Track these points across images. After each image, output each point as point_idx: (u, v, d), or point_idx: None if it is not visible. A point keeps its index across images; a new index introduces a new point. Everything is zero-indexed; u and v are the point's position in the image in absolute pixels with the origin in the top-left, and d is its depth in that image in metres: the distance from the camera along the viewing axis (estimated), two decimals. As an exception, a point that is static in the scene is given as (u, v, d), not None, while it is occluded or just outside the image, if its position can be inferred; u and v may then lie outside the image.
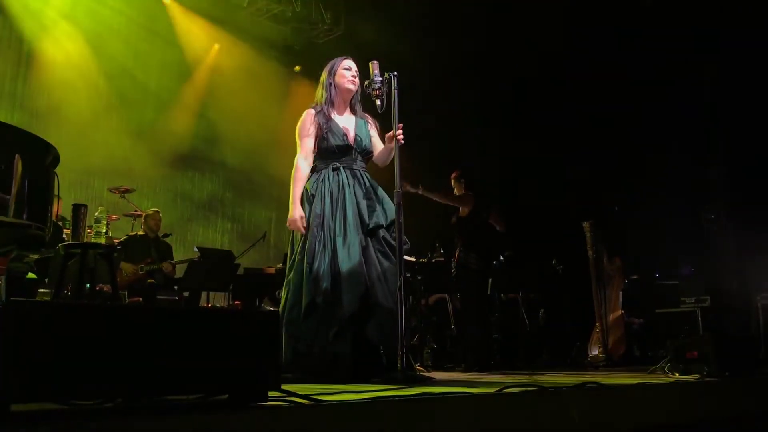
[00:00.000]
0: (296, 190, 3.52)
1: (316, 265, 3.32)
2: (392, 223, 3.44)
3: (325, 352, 3.25)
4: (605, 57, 7.48)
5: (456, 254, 5.89)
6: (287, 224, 3.52)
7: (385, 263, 3.39)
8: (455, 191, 6.10)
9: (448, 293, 7.04)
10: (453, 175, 6.14)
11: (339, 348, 3.25)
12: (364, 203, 3.45)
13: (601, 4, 7.35)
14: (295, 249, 3.48)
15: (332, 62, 3.73)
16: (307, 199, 3.50)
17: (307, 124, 3.61)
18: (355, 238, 3.36)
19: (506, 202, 7.65)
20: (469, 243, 5.83)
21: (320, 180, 3.52)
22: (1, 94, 7.96)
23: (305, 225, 3.43)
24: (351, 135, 3.62)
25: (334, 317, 3.27)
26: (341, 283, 3.29)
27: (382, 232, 3.43)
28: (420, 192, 5.54)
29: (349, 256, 3.31)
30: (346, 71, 3.68)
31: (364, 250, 3.38)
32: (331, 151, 3.56)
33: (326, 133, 3.56)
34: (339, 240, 3.35)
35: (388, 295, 3.32)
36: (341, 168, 3.53)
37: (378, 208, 3.47)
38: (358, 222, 3.41)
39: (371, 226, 3.39)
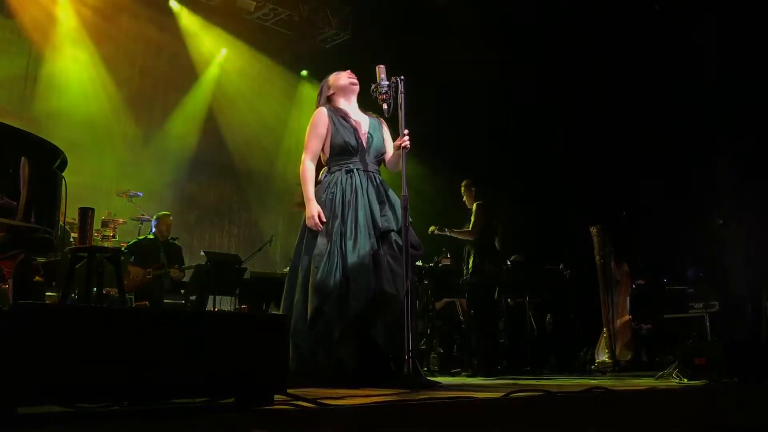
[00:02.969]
0: (308, 188, 3.49)
1: (323, 270, 3.28)
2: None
3: (329, 357, 3.24)
4: (610, 60, 7.46)
5: (470, 261, 5.89)
6: (306, 222, 3.46)
7: (396, 268, 3.34)
8: (465, 199, 6.14)
9: (459, 297, 7.02)
10: (463, 184, 6.16)
11: (343, 354, 3.23)
12: (377, 206, 3.41)
13: (605, 5, 7.33)
14: (302, 252, 3.47)
15: (325, 79, 3.76)
16: (318, 202, 3.48)
17: (316, 123, 3.59)
18: (365, 242, 3.32)
19: (514, 206, 7.62)
20: (484, 250, 5.85)
21: (333, 182, 3.49)
22: (10, 98, 8.01)
23: (323, 221, 3.40)
24: (363, 133, 3.60)
25: (340, 323, 3.25)
26: (350, 288, 3.26)
27: (393, 236, 3.39)
28: (448, 233, 6.06)
29: (359, 261, 3.28)
30: (341, 72, 3.71)
31: (375, 254, 3.35)
32: (344, 149, 3.53)
33: (341, 130, 3.54)
34: (349, 244, 3.32)
35: (398, 301, 3.30)
36: (354, 170, 3.50)
37: (389, 212, 3.44)
38: (370, 225, 3.37)
39: (382, 229, 3.37)
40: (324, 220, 3.40)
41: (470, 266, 5.90)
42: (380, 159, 3.66)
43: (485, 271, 5.81)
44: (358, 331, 3.27)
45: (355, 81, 3.67)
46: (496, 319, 6.24)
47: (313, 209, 3.42)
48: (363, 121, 3.67)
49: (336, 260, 3.31)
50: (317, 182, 3.60)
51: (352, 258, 3.29)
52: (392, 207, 3.47)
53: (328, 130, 3.57)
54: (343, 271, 3.29)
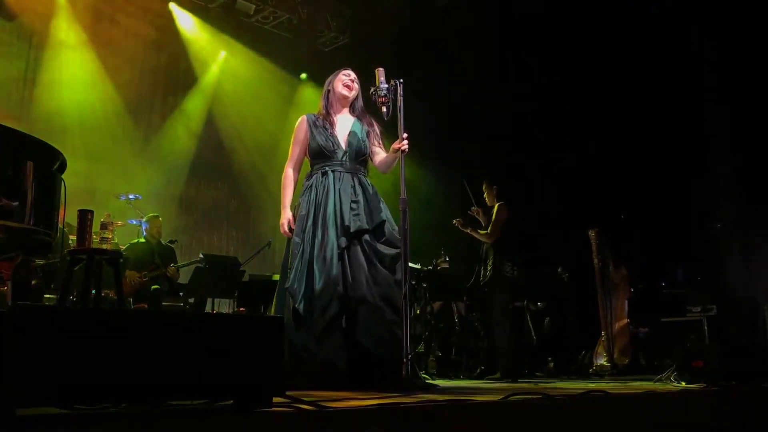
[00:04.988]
0: (285, 195, 3.64)
1: (292, 273, 3.36)
2: (378, 226, 3.45)
3: (318, 358, 3.25)
4: (608, 63, 7.47)
5: (490, 262, 5.80)
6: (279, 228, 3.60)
7: (371, 269, 3.38)
8: (486, 197, 6.05)
9: (456, 300, 7.00)
10: (484, 184, 6.09)
11: (332, 355, 3.25)
12: (347, 205, 3.46)
13: (602, 8, 7.34)
14: (289, 255, 3.51)
15: (333, 73, 3.82)
16: (294, 207, 3.60)
17: (297, 131, 3.73)
18: (333, 238, 3.38)
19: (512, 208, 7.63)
20: (503, 251, 5.78)
21: (309, 186, 3.58)
22: (9, 101, 8.00)
23: (292, 228, 3.52)
24: (342, 136, 3.65)
25: (317, 320, 3.27)
26: (317, 288, 3.30)
27: (366, 236, 3.43)
28: (469, 231, 5.88)
29: (324, 258, 3.33)
30: (344, 77, 3.76)
31: (348, 252, 3.38)
32: (320, 153, 3.61)
33: (316, 135, 3.63)
34: (316, 241, 3.39)
35: (377, 303, 3.31)
36: (329, 171, 3.56)
37: (362, 211, 3.47)
38: (338, 223, 3.42)
39: (352, 229, 3.39)
40: (293, 228, 3.51)
41: (489, 267, 5.78)
42: (364, 159, 3.70)
43: (504, 273, 5.73)
44: (339, 330, 3.29)
45: (349, 90, 3.72)
46: (516, 321, 6.17)
47: (284, 217, 3.58)
48: (346, 122, 3.73)
49: (306, 260, 3.37)
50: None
51: (318, 255, 3.35)
52: (368, 205, 3.51)
53: (306, 136, 3.68)
54: (310, 270, 3.34)
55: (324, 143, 3.59)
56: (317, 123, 3.68)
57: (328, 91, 3.76)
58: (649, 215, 7.36)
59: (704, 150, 7.33)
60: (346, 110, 3.78)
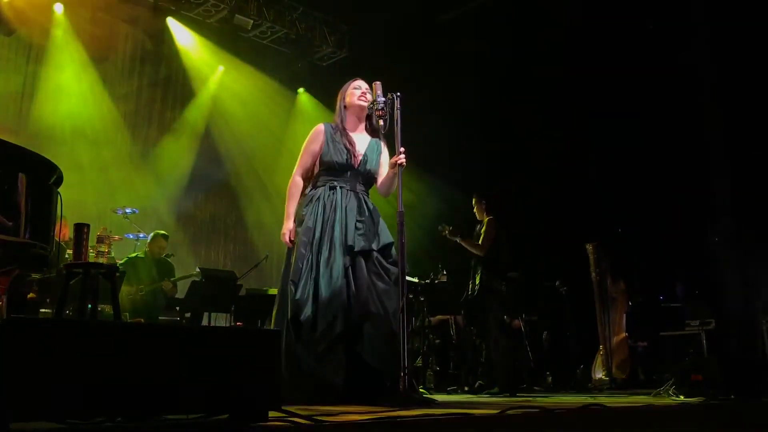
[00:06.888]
0: (290, 204, 3.59)
1: (300, 286, 3.32)
2: (386, 247, 3.44)
3: (318, 373, 3.23)
4: (605, 79, 7.50)
5: (477, 277, 5.77)
6: (280, 236, 3.56)
7: (380, 285, 3.36)
8: (476, 211, 6.02)
9: (454, 314, 6.98)
10: (474, 197, 6.07)
11: (330, 370, 3.23)
12: (353, 224, 3.43)
13: (600, 23, 7.38)
14: (290, 268, 3.48)
15: (344, 86, 3.76)
16: (299, 217, 3.53)
17: (311, 140, 3.64)
18: (340, 257, 3.35)
19: (510, 222, 7.63)
20: (493, 266, 5.75)
21: (315, 198, 3.52)
22: (6, 115, 8.01)
23: (292, 239, 3.48)
24: (358, 154, 3.60)
25: (322, 339, 3.26)
26: (322, 306, 3.28)
27: (375, 254, 3.41)
28: (458, 240, 5.81)
29: (330, 277, 3.31)
30: (356, 90, 3.69)
31: (353, 270, 3.36)
32: (332, 168, 3.55)
33: (331, 148, 3.57)
34: (323, 259, 3.36)
35: (384, 318, 3.29)
36: (338, 187, 3.52)
37: (369, 231, 3.44)
38: (344, 242, 3.40)
39: (356, 248, 3.37)
40: (293, 238, 3.48)
41: (477, 282, 5.75)
42: (371, 180, 3.67)
43: (494, 289, 5.70)
44: (341, 348, 3.27)
45: (365, 101, 3.65)
46: (505, 336, 6.13)
47: (287, 227, 3.53)
48: (362, 141, 3.67)
49: (312, 275, 3.35)
50: (303, 194, 3.65)
51: (324, 273, 3.33)
52: (375, 225, 3.48)
53: (321, 147, 3.61)
54: (317, 287, 3.32)
55: (338, 159, 3.54)
56: (335, 137, 3.60)
57: (343, 105, 3.69)
58: (647, 229, 7.36)
59: (702, 164, 7.34)
60: (362, 126, 3.71)
